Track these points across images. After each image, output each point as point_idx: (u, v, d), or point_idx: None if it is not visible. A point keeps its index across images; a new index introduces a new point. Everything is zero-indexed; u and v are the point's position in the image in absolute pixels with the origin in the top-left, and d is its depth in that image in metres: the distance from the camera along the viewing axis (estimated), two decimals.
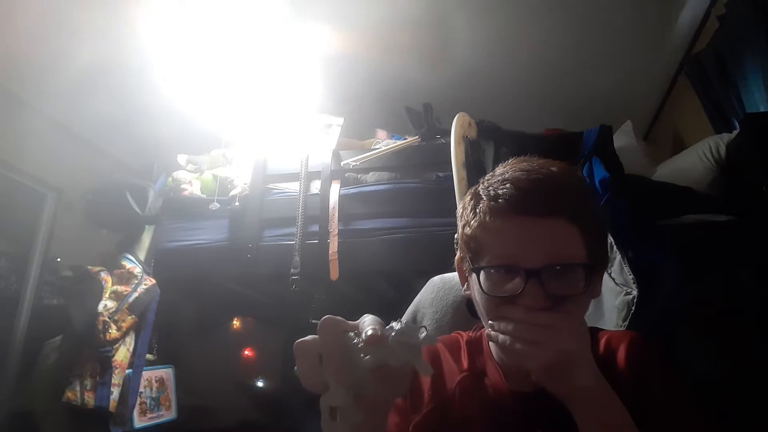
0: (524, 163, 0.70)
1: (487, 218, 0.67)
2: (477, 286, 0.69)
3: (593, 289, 0.69)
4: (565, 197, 0.66)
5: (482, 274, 0.67)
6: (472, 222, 0.70)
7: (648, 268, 1.21)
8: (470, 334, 0.83)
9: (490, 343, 0.75)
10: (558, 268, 0.63)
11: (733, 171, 1.53)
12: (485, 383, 0.74)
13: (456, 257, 0.79)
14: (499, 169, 0.72)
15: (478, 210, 0.70)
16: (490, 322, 0.67)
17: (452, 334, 0.85)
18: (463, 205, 0.75)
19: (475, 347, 0.79)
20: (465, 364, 0.77)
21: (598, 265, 0.68)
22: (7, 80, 1.86)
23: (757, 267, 1.23)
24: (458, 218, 0.76)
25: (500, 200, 0.66)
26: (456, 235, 0.77)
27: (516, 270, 0.64)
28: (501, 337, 0.63)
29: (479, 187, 0.72)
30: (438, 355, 0.80)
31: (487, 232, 0.68)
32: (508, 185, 0.67)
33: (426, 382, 0.75)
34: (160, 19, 1.84)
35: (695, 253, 1.24)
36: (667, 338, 1.21)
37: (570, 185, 0.68)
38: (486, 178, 0.73)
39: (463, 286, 0.78)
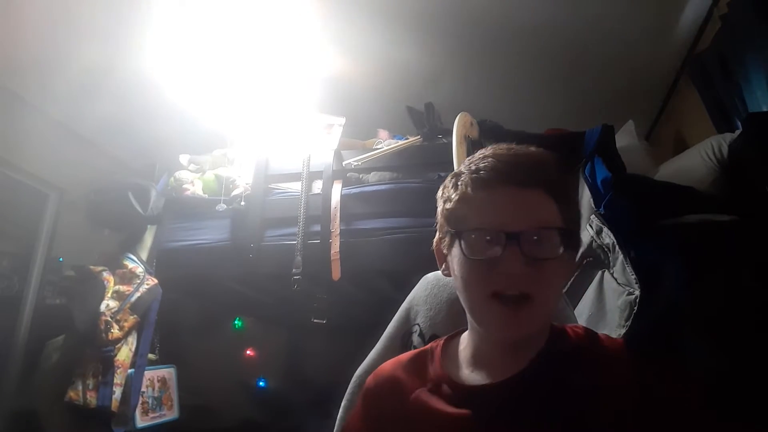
0: (504, 145, 0.75)
1: (469, 189, 0.71)
2: (458, 255, 0.71)
3: (569, 258, 0.72)
4: (541, 171, 0.70)
5: (464, 240, 0.69)
6: (453, 196, 0.74)
7: (650, 268, 1.20)
8: (420, 356, 0.84)
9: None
10: (535, 231, 0.66)
11: (735, 171, 1.53)
12: (439, 393, 0.74)
13: (435, 240, 0.80)
14: (479, 152, 0.76)
15: (459, 184, 0.73)
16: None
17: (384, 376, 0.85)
18: (443, 186, 0.78)
19: (430, 359, 0.81)
20: (404, 397, 0.77)
21: (572, 234, 0.71)
22: (9, 80, 1.86)
23: (759, 267, 1.23)
24: (438, 199, 0.79)
25: (482, 172, 0.70)
26: (436, 215, 0.79)
27: (496, 234, 0.66)
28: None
29: (460, 167, 0.76)
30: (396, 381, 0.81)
31: (469, 203, 0.71)
32: (489, 159, 0.71)
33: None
34: (162, 19, 1.84)
35: (697, 253, 1.24)
36: (668, 338, 1.20)
37: (546, 161, 0.73)
38: (466, 160, 0.76)
39: (440, 266, 0.80)
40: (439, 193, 0.79)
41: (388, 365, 0.85)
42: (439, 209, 0.78)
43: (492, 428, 0.68)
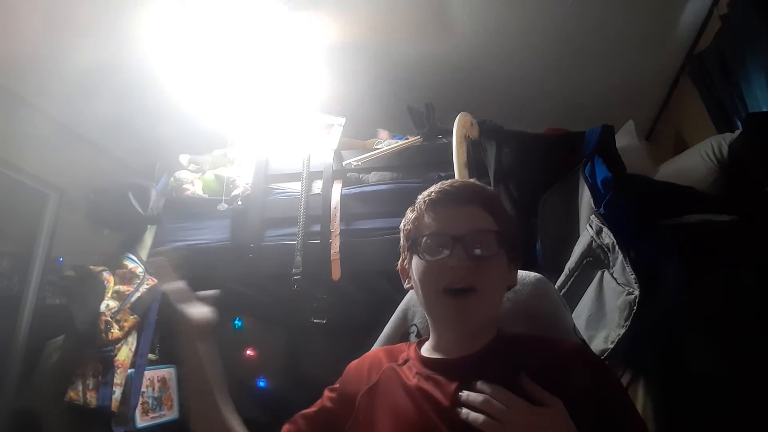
0: (449, 180, 0.93)
1: (423, 209, 0.88)
2: (416, 262, 0.86)
3: (506, 259, 0.85)
4: (478, 192, 0.89)
5: (420, 246, 0.85)
6: (411, 217, 0.91)
7: (650, 267, 1.21)
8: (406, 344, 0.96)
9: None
10: (475, 233, 0.82)
11: (735, 171, 1.53)
12: (403, 369, 0.86)
13: (398, 262, 0.96)
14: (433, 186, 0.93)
15: (416, 209, 0.91)
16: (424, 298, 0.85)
17: (378, 350, 0.99)
18: (405, 217, 0.94)
19: (407, 347, 0.94)
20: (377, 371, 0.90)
21: (506, 239, 0.85)
22: (9, 80, 1.86)
23: (758, 267, 1.23)
24: (400, 230, 0.94)
25: (433, 195, 0.88)
26: (399, 243, 0.94)
27: (444, 238, 0.82)
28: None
29: (417, 198, 0.92)
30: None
31: (424, 220, 0.88)
32: (439, 187, 0.89)
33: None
34: (161, 18, 1.84)
35: (697, 253, 1.24)
36: (667, 338, 1.20)
37: (481, 187, 0.92)
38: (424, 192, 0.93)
39: (404, 282, 0.95)
40: (401, 224, 0.94)
41: (372, 350, 1.00)
42: (402, 235, 0.93)
43: (448, 393, 0.77)
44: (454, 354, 0.84)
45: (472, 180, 0.97)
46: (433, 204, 0.88)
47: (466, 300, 0.79)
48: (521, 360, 0.78)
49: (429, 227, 0.86)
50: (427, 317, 0.89)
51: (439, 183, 0.91)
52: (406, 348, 0.93)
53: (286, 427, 0.91)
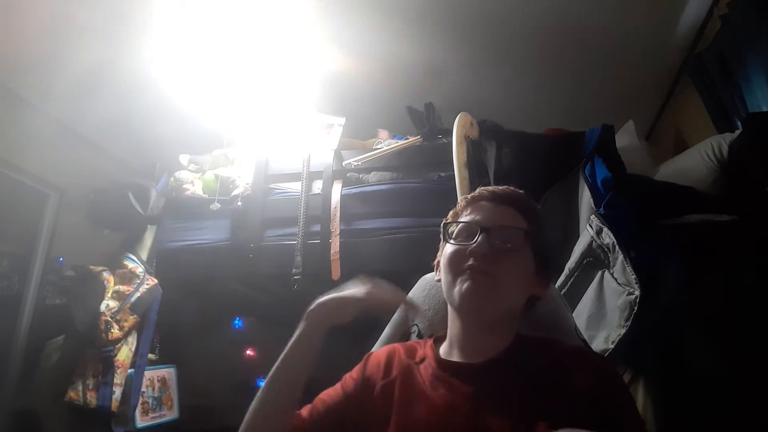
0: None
1: (463, 206, 0.93)
2: (443, 248, 0.90)
3: (533, 263, 0.87)
4: (518, 198, 0.92)
5: (449, 230, 0.91)
6: (450, 216, 0.95)
7: (650, 268, 1.21)
8: (419, 342, 0.97)
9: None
10: (502, 228, 0.85)
11: (735, 171, 1.53)
12: (422, 368, 0.88)
13: (434, 262, 0.98)
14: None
15: (456, 208, 0.95)
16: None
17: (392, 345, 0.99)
18: (445, 218, 0.97)
19: (423, 345, 0.95)
20: (396, 366, 0.91)
21: (533, 238, 0.87)
22: (9, 80, 1.86)
23: (758, 267, 1.23)
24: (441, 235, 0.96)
25: (475, 194, 0.94)
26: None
27: (472, 227, 0.87)
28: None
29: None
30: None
31: (461, 215, 0.92)
32: (481, 188, 0.95)
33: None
34: (162, 19, 1.84)
35: (697, 253, 1.24)
36: (668, 338, 1.20)
37: (524, 195, 0.94)
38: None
39: (436, 274, 0.96)
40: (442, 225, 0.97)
41: (391, 345, 0.99)
42: (441, 237, 0.95)
43: (464, 398, 0.79)
44: (471, 357, 0.84)
45: (513, 188, 0.98)
46: (472, 200, 0.93)
47: (483, 281, 0.81)
48: (538, 367, 0.79)
49: (462, 217, 0.91)
50: (447, 301, 0.91)
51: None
52: (422, 345, 0.94)
53: (304, 408, 0.90)
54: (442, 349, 0.90)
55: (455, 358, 0.86)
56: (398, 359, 0.91)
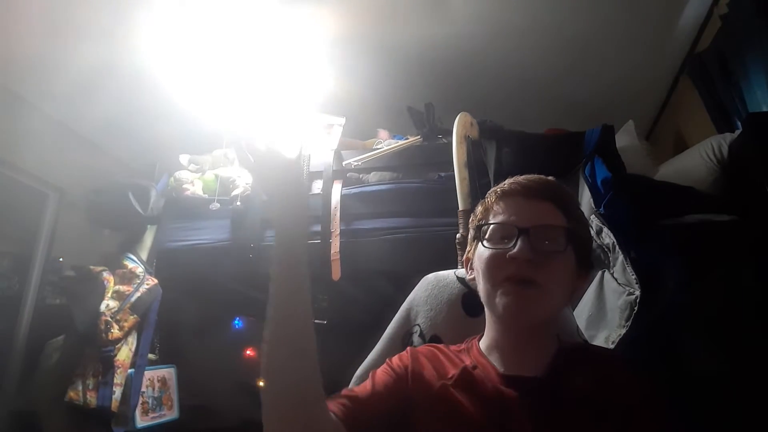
0: (524, 175, 0.89)
1: (493, 200, 0.87)
2: (479, 250, 0.84)
3: (574, 260, 0.82)
4: (553, 190, 0.86)
5: (484, 234, 0.84)
6: (480, 209, 0.89)
7: (650, 268, 1.20)
8: (457, 347, 0.92)
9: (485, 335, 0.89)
10: (542, 228, 0.80)
11: (735, 171, 1.53)
12: (478, 375, 0.82)
13: (463, 257, 0.94)
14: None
15: (486, 202, 0.89)
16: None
17: (428, 346, 0.94)
18: (474, 213, 0.92)
19: (466, 350, 0.89)
20: (450, 368, 0.85)
21: (575, 238, 0.82)
22: (9, 80, 1.86)
23: (758, 267, 1.23)
24: (470, 224, 0.92)
25: (505, 187, 0.86)
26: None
27: (510, 229, 0.80)
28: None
29: (489, 191, 0.91)
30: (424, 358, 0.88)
31: (492, 210, 0.86)
32: (511, 180, 0.87)
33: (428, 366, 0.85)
34: (161, 19, 1.84)
35: (697, 253, 1.24)
36: (668, 338, 1.20)
37: (557, 185, 0.88)
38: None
39: (468, 273, 0.91)
40: (471, 220, 0.93)
41: (433, 345, 0.93)
42: (472, 226, 0.91)
43: (525, 411, 0.75)
44: (514, 362, 0.81)
45: (549, 178, 0.90)
46: (504, 194, 0.86)
47: (527, 292, 0.77)
48: (586, 379, 0.77)
49: (496, 216, 0.84)
50: (486, 308, 0.86)
51: (514, 177, 0.89)
52: (469, 350, 0.88)
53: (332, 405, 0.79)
54: (493, 357, 0.85)
55: (496, 362, 0.83)
56: (454, 361, 0.86)
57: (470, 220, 0.93)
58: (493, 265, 0.81)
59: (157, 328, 1.91)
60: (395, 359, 0.88)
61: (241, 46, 2.03)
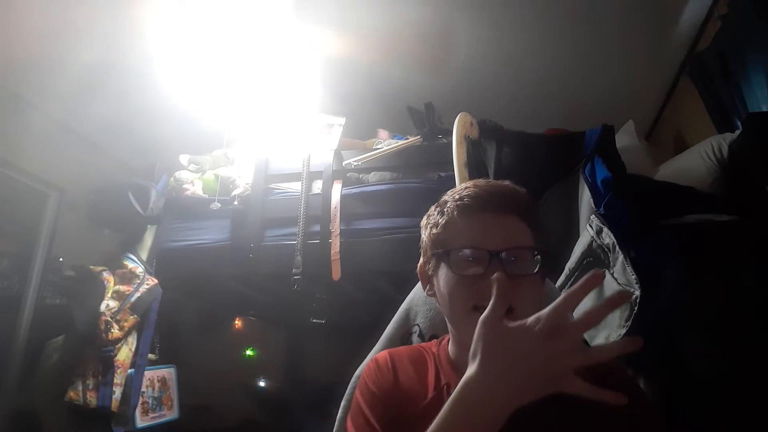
0: (482, 180, 0.85)
1: (455, 215, 0.80)
2: (444, 274, 0.78)
3: (542, 277, 0.79)
4: (516, 200, 0.80)
5: (451, 258, 0.77)
6: (440, 221, 0.82)
7: (650, 268, 1.20)
8: (420, 350, 0.88)
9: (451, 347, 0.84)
10: (514, 250, 0.75)
11: (735, 171, 1.53)
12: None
13: (419, 263, 0.88)
14: (461, 185, 0.85)
15: (445, 211, 0.81)
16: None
17: (417, 346, 0.91)
18: (428, 214, 0.86)
19: (434, 359, 0.85)
20: (419, 390, 0.80)
21: (545, 255, 0.78)
22: (9, 80, 1.86)
23: (759, 267, 1.23)
24: (423, 227, 0.86)
25: (466, 200, 0.79)
26: (421, 241, 0.86)
27: (480, 253, 0.75)
28: None
29: (444, 197, 0.84)
30: (399, 364, 0.84)
31: (454, 227, 0.79)
32: (471, 189, 0.81)
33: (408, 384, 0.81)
34: (162, 19, 1.84)
35: (697, 253, 1.24)
36: (668, 338, 1.20)
37: (520, 192, 0.82)
38: (449, 192, 0.85)
39: (425, 288, 0.87)
40: (424, 221, 0.87)
41: (402, 349, 0.90)
42: (425, 235, 0.85)
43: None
44: None
45: (506, 182, 0.84)
46: (467, 209, 0.79)
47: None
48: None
49: (462, 237, 0.77)
50: (451, 332, 0.82)
51: (471, 183, 0.83)
52: (433, 357, 0.84)
53: None
54: (458, 365, 0.79)
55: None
56: (418, 379, 0.81)
57: (424, 223, 0.86)
58: (462, 291, 0.75)
59: (157, 328, 1.91)
60: (365, 411, 0.80)
61: (241, 46, 2.03)
